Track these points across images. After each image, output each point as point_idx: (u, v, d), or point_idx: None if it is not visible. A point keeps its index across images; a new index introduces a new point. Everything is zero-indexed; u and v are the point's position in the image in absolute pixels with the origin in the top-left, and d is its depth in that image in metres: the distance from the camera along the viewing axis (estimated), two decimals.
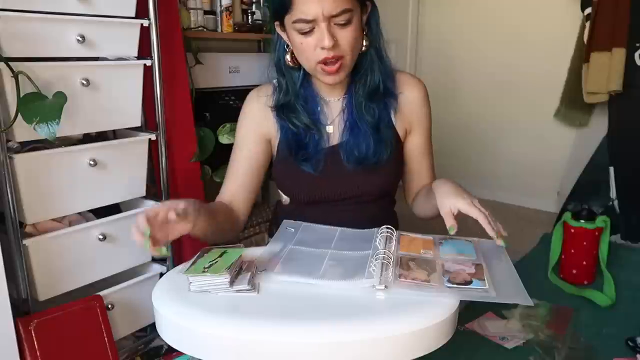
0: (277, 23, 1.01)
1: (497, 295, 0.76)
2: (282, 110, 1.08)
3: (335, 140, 1.09)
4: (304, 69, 1.04)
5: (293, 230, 0.98)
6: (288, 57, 1.03)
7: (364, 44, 1.01)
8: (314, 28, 0.93)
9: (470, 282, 0.77)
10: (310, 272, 0.80)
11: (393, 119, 1.09)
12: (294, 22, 0.94)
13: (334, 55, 0.95)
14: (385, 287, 0.75)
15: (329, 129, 1.09)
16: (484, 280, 0.77)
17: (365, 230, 0.97)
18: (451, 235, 0.91)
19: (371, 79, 1.05)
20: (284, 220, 1.01)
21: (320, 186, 1.07)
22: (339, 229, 0.99)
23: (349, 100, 1.08)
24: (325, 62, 0.96)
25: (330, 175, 1.07)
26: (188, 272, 0.76)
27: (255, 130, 1.11)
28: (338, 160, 1.06)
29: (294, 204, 1.15)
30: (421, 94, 1.11)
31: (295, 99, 1.07)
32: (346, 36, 0.95)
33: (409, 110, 1.11)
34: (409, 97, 1.10)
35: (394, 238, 0.92)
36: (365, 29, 1.01)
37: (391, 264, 0.81)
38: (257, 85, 1.15)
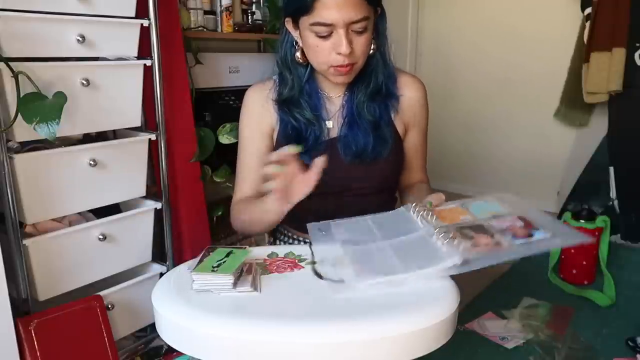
0: (288, 20, 1.02)
1: (560, 240, 0.73)
2: (285, 104, 1.09)
3: (334, 134, 1.10)
4: (311, 66, 1.05)
5: (324, 232, 0.92)
6: (298, 54, 1.05)
7: (372, 47, 1.03)
8: (331, 32, 0.94)
9: (532, 235, 0.74)
10: (389, 269, 0.74)
11: (393, 118, 1.10)
12: (312, 24, 0.94)
13: (349, 62, 0.97)
14: (465, 260, 0.72)
15: (329, 123, 1.10)
16: (540, 229, 0.74)
17: (391, 212, 0.93)
18: (469, 198, 0.90)
19: (374, 81, 1.07)
20: (309, 224, 0.96)
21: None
22: (367, 217, 0.94)
23: (350, 97, 1.09)
24: (338, 65, 0.97)
25: (326, 167, 1.06)
26: (197, 269, 0.76)
27: (258, 126, 1.12)
28: (335, 153, 1.07)
29: None
30: (421, 94, 1.13)
31: (299, 94, 1.08)
32: (361, 43, 0.97)
33: (408, 110, 1.12)
34: (410, 97, 1.12)
35: (431, 212, 0.88)
36: (373, 33, 1.03)
37: (456, 238, 0.77)
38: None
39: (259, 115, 1.12)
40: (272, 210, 0.94)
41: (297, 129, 1.08)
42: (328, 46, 0.96)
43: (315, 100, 1.09)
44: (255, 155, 1.12)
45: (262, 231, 1.07)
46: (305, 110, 1.07)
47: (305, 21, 0.96)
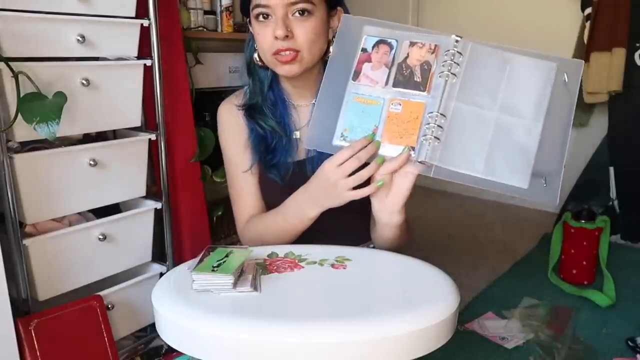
0: (248, 20, 1.00)
1: None
2: (249, 111, 1.05)
3: (303, 151, 1.05)
4: (272, 70, 1.01)
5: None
6: (256, 55, 1.01)
7: (331, 49, 0.97)
8: (271, 17, 0.92)
9: None
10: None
11: None
12: (253, 8, 0.93)
13: (288, 47, 0.92)
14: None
15: (297, 134, 1.06)
16: None
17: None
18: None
19: None
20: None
21: (285, 197, 1.01)
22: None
23: None
24: (278, 52, 0.93)
25: (296, 188, 1.00)
26: (197, 269, 0.76)
27: (238, 140, 1.08)
28: (305, 174, 1.02)
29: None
30: None
31: (262, 101, 1.04)
32: (303, 30, 0.92)
33: None
34: None
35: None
36: (333, 34, 0.98)
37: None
38: None
39: (233, 129, 1.08)
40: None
41: (264, 137, 1.04)
42: (269, 32, 0.92)
43: (281, 108, 1.05)
44: (247, 169, 1.07)
45: (292, 239, 1.01)
46: (268, 119, 1.03)
47: (251, 10, 0.95)
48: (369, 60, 0.86)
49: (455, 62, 0.83)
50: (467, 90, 0.83)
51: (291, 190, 0.99)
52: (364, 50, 0.86)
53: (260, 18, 0.93)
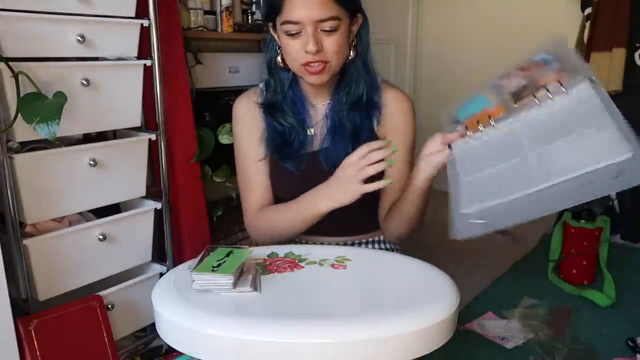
0: (270, 24, 1.04)
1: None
2: (269, 108, 1.09)
3: (317, 144, 1.10)
4: (294, 72, 1.06)
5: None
6: (279, 58, 1.06)
7: (351, 53, 1.03)
8: (300, 31, 0.96)
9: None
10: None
11: (376, 129, 1.09)
12: (282, 23, 0.97)
13: (319, 59, 0.97)
14: None
15: (311, 131, 1.10)
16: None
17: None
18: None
19: (355, 88, 1.07)
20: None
21: (300, 187, 1.06)
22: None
23: (333, 106, 1.09)
24: (308, 64, 0.98)
25: (310, 177, 1.06)
26: (197, 269, 0.76)
27: (252, 133, 1.12)
28: (318, 164, 1.07)
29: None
30: (405, 106, 1.11)
31: (282, 100, 1.09)
32: (332, 43, 0.97)
33: (391, 122, 1.10)
34: (393, 109, 1.10)
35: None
36: (354, 39, 1.04)
37: None
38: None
39: (249, 123, 1.12)
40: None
41: (282, 133, 1.08)
42: (298, 45, 0.97)
43: (299, 106, 1.10)
44: (257, 162, 1.12)
45: (298, 233, 1.06)
46: (288, 116, 1.08)
47: (278, 21, 0.98)
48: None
49: (550, 98, 0.81)
50: (533, 125, 0.82)
51: (305, 179, 1.05)
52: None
53: (292, 31, 0.97)
